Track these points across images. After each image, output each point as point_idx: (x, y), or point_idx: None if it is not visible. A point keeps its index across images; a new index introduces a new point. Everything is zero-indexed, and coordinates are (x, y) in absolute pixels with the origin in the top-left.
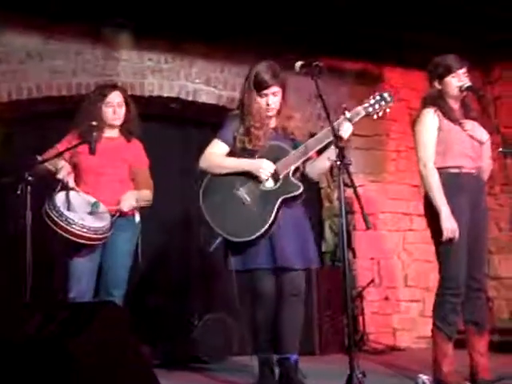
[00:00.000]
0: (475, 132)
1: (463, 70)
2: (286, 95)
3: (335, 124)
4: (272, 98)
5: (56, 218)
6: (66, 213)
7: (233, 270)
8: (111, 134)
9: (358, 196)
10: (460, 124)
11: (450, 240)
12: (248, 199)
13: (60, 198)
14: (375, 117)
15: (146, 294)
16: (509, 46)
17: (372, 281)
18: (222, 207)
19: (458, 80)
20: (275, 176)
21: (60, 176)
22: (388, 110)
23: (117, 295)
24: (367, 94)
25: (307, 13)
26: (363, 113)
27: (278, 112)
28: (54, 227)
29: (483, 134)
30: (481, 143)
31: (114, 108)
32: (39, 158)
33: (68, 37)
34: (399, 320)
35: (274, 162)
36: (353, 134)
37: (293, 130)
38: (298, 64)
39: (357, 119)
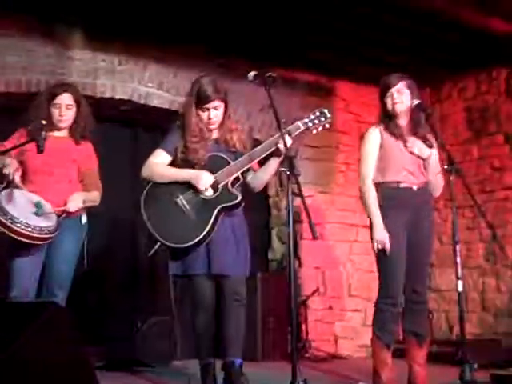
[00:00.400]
0: (416, 148)
1: (397, 88)
2: (229, 108)
3: (276, 136)
4: (213, 112)
5: None
6: (11, 211)
7: (171, 274)
8: (60, 133)
9: (305, 206)
10: (403, 140)
11: (383, 251)
12: (187, 207)
13: (4, 195)
14: (314, 131)
15: (92, 295)
16: (457, 66)
17: (317, 290)
18: (162, 214)
19: (391, 98)
20: (215, 185)
21: (6, 171)
22: (328, 126)
23: (60, 296)
24: (319, 106)
25: (261, 22)
26: (302, 127)
27: (221, 124)
28: None
29: (425, 151)
30: (421, 159)
31: (61, 110)
32: None
33: (20, 33)
34: (341, 328)
35: (214, 173)
36: (305, 145)
37: (235, 143)
38: (252, 74)
39: (296, 133)
